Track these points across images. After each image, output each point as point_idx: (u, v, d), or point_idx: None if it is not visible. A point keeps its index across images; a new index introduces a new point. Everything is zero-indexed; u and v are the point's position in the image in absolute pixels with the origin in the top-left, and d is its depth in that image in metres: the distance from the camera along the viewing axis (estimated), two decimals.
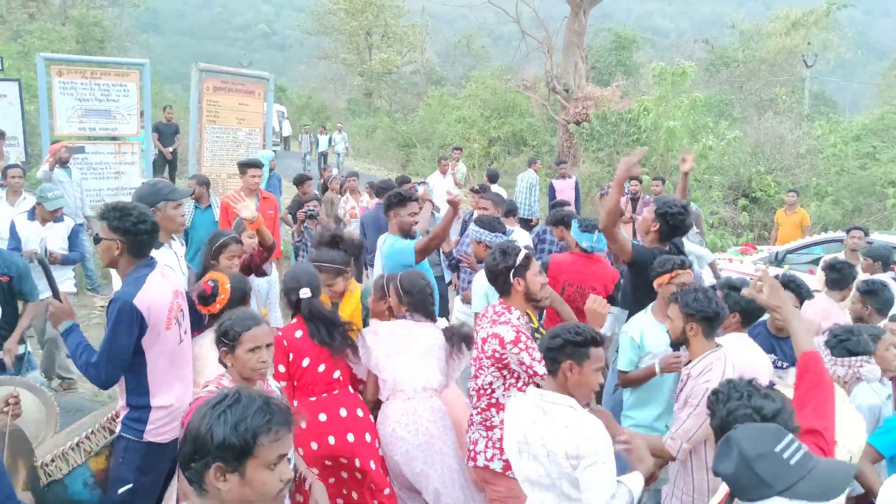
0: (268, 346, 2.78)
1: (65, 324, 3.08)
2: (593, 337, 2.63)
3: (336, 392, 3.64)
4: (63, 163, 7.52)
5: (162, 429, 3.13)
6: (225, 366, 2.82)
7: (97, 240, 3.13)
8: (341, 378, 3.67)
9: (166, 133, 13.94)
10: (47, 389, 3.41)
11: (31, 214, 6.01)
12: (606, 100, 18.91)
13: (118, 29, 29.67)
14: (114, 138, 9.26)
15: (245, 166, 7.01)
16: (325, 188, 11.53)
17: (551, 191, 11.63)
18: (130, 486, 3.08)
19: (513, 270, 3.39)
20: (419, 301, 3.83)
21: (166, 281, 3.23)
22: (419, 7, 37.13)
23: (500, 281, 3.45)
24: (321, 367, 3.61)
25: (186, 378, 3.30)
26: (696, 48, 30.18)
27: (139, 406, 3.09)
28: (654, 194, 9.74)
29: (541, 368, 3.25)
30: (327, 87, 40.63)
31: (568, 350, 2.61)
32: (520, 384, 3.44)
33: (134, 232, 3.05)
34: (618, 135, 16.10)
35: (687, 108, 14.90)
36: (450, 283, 7.52)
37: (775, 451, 1.87)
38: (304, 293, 3.61)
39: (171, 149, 14.00)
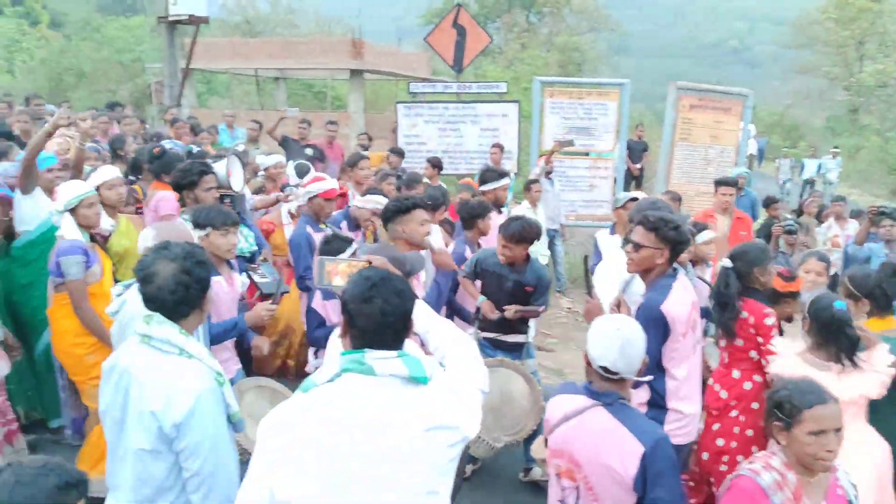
0: (836, 430, 2.31)
1: None
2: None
3: None
4: (548, 173, 8.34)
5: (684, 429, 3.24)
6: (778, 442, 2.43)
7: (637, 247, 3.20)
8: None
9: (636, 150, 14.42)
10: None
11: (613, 230, 5.36)
12: None
13: (593, 52, 31.97)
14: (589, 153, 9.92)
15: (718, 184, 7.00)
16: (800, 212, 10.60)
17: None
18: None
19: None
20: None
21: (687, 292, 3.29)
22: None
23: None
24: None
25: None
26: None
27: (656, 405, 3.23)
28: None
29: None
30: (802, 104, 37.26)
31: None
32: None
33: (682, 242, 3.22)
34: None
35: None
36: None
37: None
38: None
39: (638, 165, 14.45)
